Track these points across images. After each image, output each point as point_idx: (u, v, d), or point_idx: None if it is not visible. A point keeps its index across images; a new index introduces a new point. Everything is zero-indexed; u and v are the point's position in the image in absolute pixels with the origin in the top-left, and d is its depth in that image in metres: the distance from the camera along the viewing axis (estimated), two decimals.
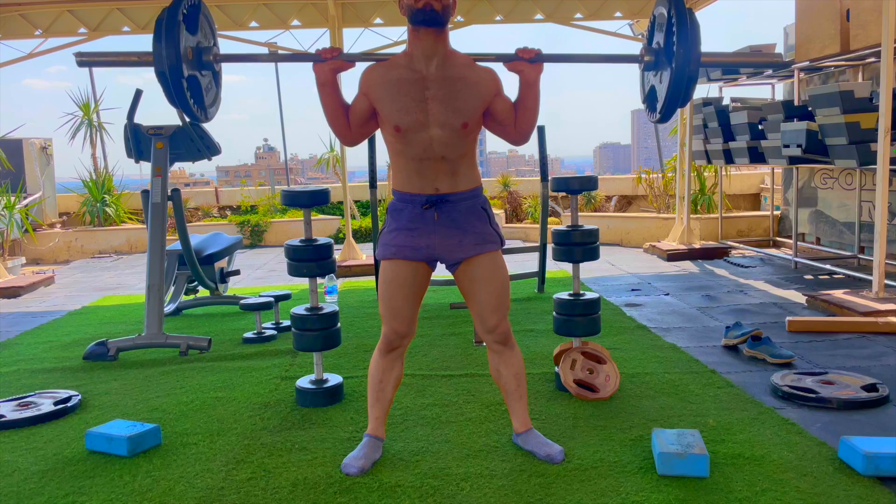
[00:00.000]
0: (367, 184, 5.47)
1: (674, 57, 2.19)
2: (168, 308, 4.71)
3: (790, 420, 2.61)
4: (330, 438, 2.60)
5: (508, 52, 2.22)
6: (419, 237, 2.28)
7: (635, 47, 8.93)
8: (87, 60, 2.40)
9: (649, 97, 2.45)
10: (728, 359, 3.46)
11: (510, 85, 2.35)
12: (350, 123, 2.29)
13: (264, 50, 8.73)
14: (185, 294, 5.07)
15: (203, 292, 5.23)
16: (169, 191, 4.22)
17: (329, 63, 2.19)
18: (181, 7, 2.22)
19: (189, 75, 2.28)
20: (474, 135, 2.30)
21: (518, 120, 2.27)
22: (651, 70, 2.41)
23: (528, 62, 2.18)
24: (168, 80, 2.21)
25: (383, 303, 2.32)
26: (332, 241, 3.07)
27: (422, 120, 2.20)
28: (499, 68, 2.30)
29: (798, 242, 6.23)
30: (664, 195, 8.94)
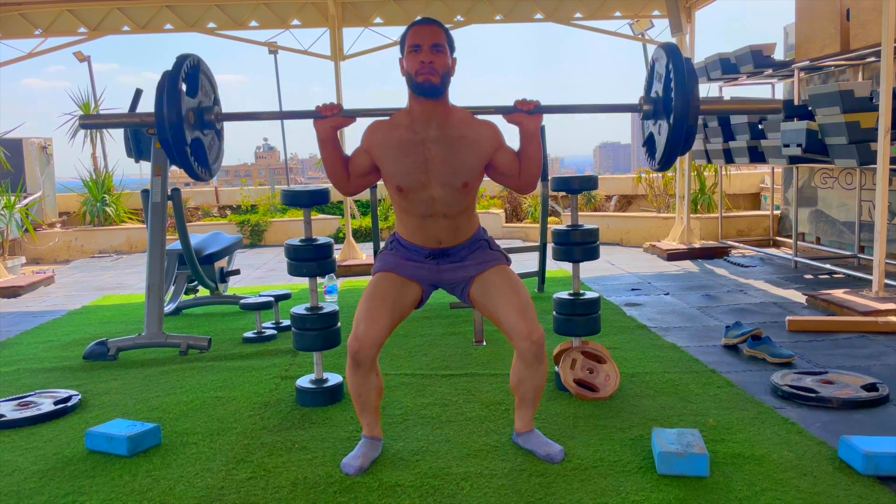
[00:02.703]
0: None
1: (672, 111, 2.20)
2: (168, 308, 4.71)
3: (790, 419, 2.61)
4: (330, 438, 2.60)
5: (507, 105, 2.24)
6: (420, 269, 2.35)
7: (635, 47, 8.93)
8: (91, 123, 2.46)
9: (648, 143, 2.48)
10: (728, 358, 3.47)
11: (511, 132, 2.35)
12: (350, 175, 2.32)
13: (264, 49, 8.74)
14: (185, 294, 5.07)
15: (203, 292, 5.23)
16: (169, 190, 4.22)
17: (330, 120, 2.22)
18: (182, 71, 2.24)
19: (192, 139, 2.32)
20: (475, 190, 2.33)
21: (522, 170, 2.29)
22: (650, 119, 2.42)
23: (526, 114, 2.20)
24: (172, 147, 2.26)
25: (359, 311, 2.27)
26: (332, 240, 3.07)
27: (423, 181, 2.23)
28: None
29: (798, 242, 6.23)
30: (664, 195, 8.95)
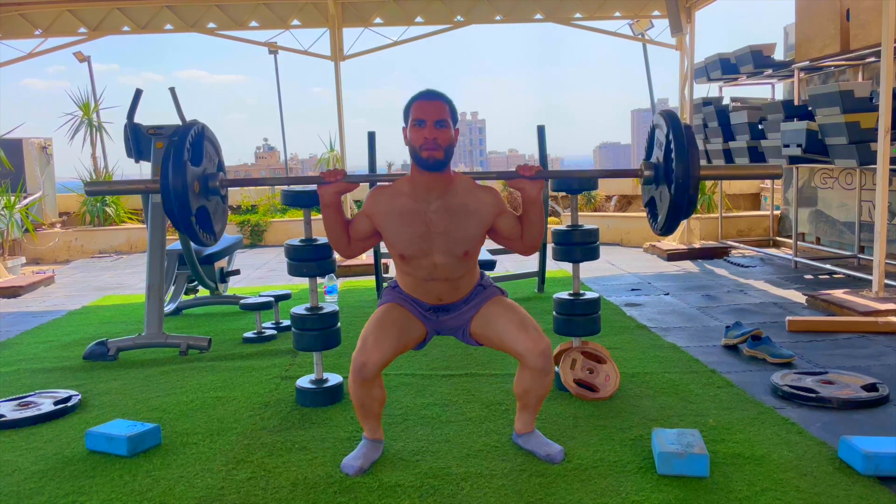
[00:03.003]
0: (367, 183, 5.46)
1: (672, 180, 2.22)
2: (168, 308, 4.71)
3: (790, 420, 2.61)
4: (330, 438, 2.60)
5: (510, 171, 2.26)
6: (422, 317, 2.39)
7: (635, 46, 8.92)
8: (95, 190, 2.51)
9: (649, 206, 2.50)
10: (728, 358, 3.47)
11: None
12: (350, 238, 2.35)
13: (264, 49, 8.73)
14: (185, 294, 5.07)
15: (203, 292, 5.23)
16: None
17: (333, 186, 2.25)
18: (186, 142, 2.26)
19: (197, 207, 2.36)
20: (476, 256, 2.36)
21: (524, 234, 2.31)
22: (650, 184, 2.43)
23: (528, 180, 2.22)
24: (177, 217, 2.30)
25: (364, 334, 2.28)
26: None
27: (426, 249, 2.26)
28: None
29: (798, 242, 6.23)
30: None
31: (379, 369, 2.23)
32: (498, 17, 7.30)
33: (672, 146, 2.21)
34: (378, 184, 2.42)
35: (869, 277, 4.66)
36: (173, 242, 4.87)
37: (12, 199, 7.75)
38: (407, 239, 2.26)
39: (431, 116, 2.15)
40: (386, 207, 2.27)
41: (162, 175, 2.25)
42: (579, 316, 3.00)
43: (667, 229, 2.36)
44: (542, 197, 2.28)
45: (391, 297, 2.41)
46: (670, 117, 2.26)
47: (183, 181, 2.25)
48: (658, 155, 2.36)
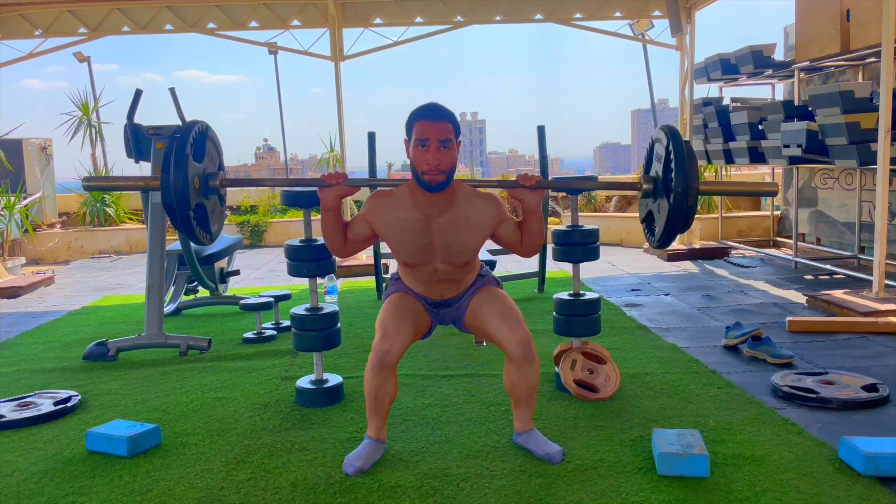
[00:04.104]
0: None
1: (671, 194, 2.23)
2: (168, 308, 4.71)
3: (790, 420, 2.61)
4: (330, 438, 2.60)
5: (510, 180, 2.29)
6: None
7: (635, 47, 8.93)
8: (94, 185, 2.52)
9: (647, 220, 2.51)
10: (728, 359, 3.46)
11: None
12: (347, 241, 2.37)
13: (264, 49, 8.73)
14: (185, 294, 5.06)
15: (203, 292, 5.23)
16: None
17: (335, 189, 2.26)
18: (190, 138, 2.26)
19: (196, 203, 2.36)
20: (476, 257, 2.41)
21: (524, 241, 2.36)
22: (649, 198, 2.44)
23: (528, 189, 2.25)
24: (175, 212, 2.30)
25: (379, 319, 2.35)
26: None
27: (427, 259, 2.31)
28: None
29: (798, 242, 6.23)
30: None
31: (400, 356, 2.27)
32: (498, 17, 7.30)
33: (672, 160, 2.23)
34: (378, 188, 2.43)
35: (869, 278, 4.66)
36: (173, 243, 4.87)
37: (12, 199, 7.75)
38: (410, 251, 2.30)
39: (435, 136, 2.16)
40: (387, 217, 2.29)
41: (163, 169, 2.25)
42: (579, 316, 2.99)
43: (663, 241, 2.37)
44: (541, 207, 2.31)
45: (399, 287, 2.46)
46: (670, 132, 2.28)
47: (184, 177, 2.26)
48: (657, 168, 2.38)
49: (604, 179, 10.30)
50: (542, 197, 2.28)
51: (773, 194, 2.51)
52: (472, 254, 2.34)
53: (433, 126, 2.17)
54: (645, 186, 2.40)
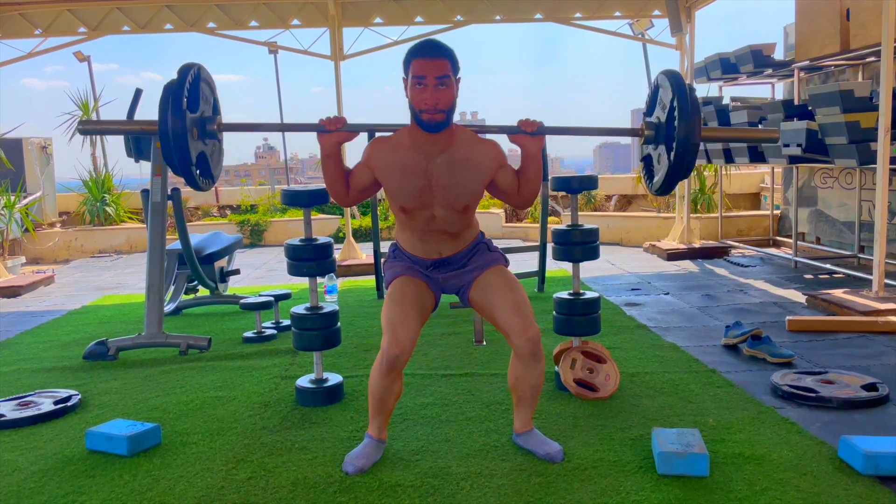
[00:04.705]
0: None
1: (674, 141, 2.20)
2: (168, 307, 4.71)
3: (790, 419, 2.61)
4: (330, 438, 2.60)
5: (511, 125, 2.24)
6: (425, 277, 2.39)
7: (635, 46, 8.91)
8: (90, 129, 2.46)
9: (645, 161, 2.49)
10: (728, 358, 3.46)
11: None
12: (349, 188, 2.33)
13: (264, 49, 8.73)
14: (185, 293, 5.06)
15: (203, 292, 5.23)
16: (169, 190, 4.22)
17: (334, 135, 2.21)
18: (185, 84, 2.23)
19: (196, 153, 2.33)
20: (475, 208, 2.36)
21: (521, 189, 2.31)
22: (650, 144, 2.42)
23: (529, 135, 2.21)
24: (177, 164, 2.26)
25: (386, 318, 2.28)
26: (332, 240, 3.07)
27: (426, 202, 2.26)
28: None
29: (798, 242, 6.23)
30: None
31: (410, 354, 2.24)
32: (498, 17, 7.29)
33: (675, 109, 2.18)
34: (377, 134, 2.38)
35: (869, 277, 4.66)
36: (173, 242, 4.87)
37: (12, 198, 7.75)
38: (408, 193, 2.25)
39: (432, 73, 2.11)
40: (387, 160, 2.25)
41: (160, 120, 2.20)
42: (579, 316, 2.99)
43: (664, 189, 2.35)
44: (541, 153, 2.27)
45: (395, 272, 2.40)
46: (676, 83, 2.21)
47: (182, 127, 2.19)
48: (660, 115, 2.33)
49: (604, 178, 10.32)
50: (543, 143, 2.25)
51: (774, 141, 2.50)
52: (471, 197, 2.28)
53: (430, 63, 2.12)
54: (647, 133, 2.36)
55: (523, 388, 2.36)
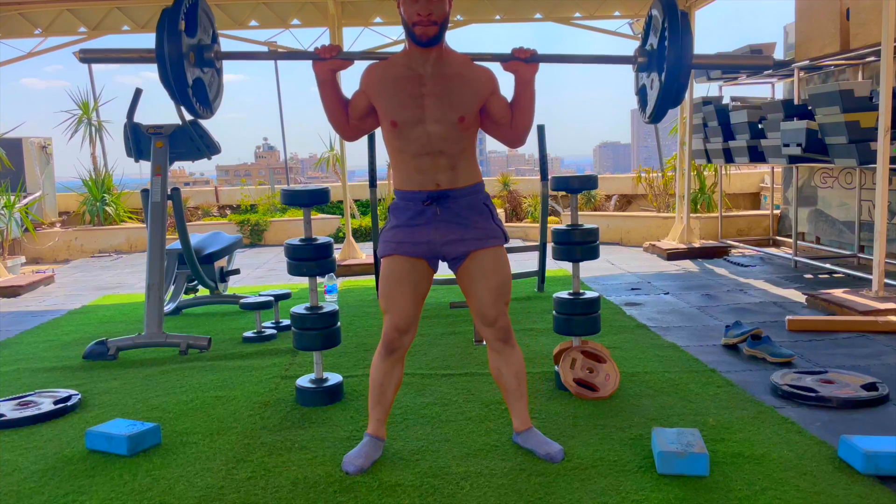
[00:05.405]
0: (367, 183, 5.47)
1: (665, 64, 2.20)
2: (168, 307, 4.71)
3: (790, 419, 2.61)
4: (330, 437, 2.60)
5: (505, 52, 2.24)
6: (419, 233, 2.30)
7: (635, 47, 8.95)
8: (90, 57, 2.43)
9: (641, 94, 2.49)
10: (728, 358, 3.47)
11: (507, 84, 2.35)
12: (349, 118, 2.33)
13: (264, 49, 8.73)
14: (185, 293, 5.07)
15: (203, 291, 5.23)
16: (169, 190, 4.22)
17: (329, 62, 2.22)
18: (181, 9, 2.22)
19: (193, 79, 2.30)
20: (472, 130, 2.31)
21: (514, 119, 2.30)
22: (644, 71, 2.42)
23: (523, 62, 2.20)
24: (173, 86, 2.24)
25: (383, 297, 2.32)
26: (332, 240, 3.07)
27: (418, 115, 2.23)
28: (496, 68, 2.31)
29: (798, 241, 6.23)
30: (664, 194, 8.94)
31: (412, 336, 2.29)
32: (498, 17, 7.30)
33: (667, 30, 2.18)
34: (372, 63, 2.37)
35: (869, 277, 4.66)
36: (173, 242, 4.87)
37: (12, 198, 7.75)
38: (399, 103, 2.23)
39: None
40: (380, 77, 2.26)
41: (157, 41, 2.19)
42: (579, 315, 3.00)
43: (656, 116, 2.35)
44: (534, 81, 2.26)
45: (385, 247, 2.34)
46: (668, 6, 2.21)
47: (178, 46, 2.18)
48: (653, 41, 2.33)
49: (604, 178, 10.32)
50: (537, 70, 2.24)
51: (769, 67, 2.51)
52: (466, 109, 2.24)
53: None
54: (640, 60, 2.36)
55: (507, 378, 2.38)
